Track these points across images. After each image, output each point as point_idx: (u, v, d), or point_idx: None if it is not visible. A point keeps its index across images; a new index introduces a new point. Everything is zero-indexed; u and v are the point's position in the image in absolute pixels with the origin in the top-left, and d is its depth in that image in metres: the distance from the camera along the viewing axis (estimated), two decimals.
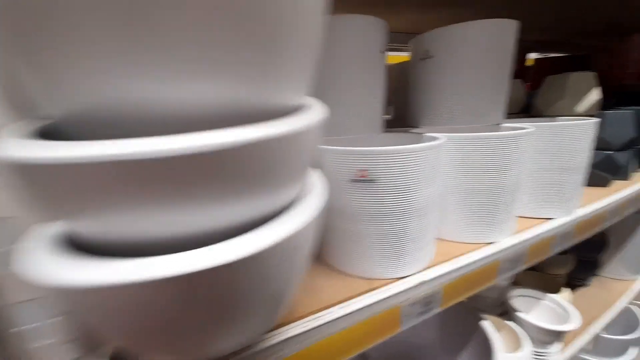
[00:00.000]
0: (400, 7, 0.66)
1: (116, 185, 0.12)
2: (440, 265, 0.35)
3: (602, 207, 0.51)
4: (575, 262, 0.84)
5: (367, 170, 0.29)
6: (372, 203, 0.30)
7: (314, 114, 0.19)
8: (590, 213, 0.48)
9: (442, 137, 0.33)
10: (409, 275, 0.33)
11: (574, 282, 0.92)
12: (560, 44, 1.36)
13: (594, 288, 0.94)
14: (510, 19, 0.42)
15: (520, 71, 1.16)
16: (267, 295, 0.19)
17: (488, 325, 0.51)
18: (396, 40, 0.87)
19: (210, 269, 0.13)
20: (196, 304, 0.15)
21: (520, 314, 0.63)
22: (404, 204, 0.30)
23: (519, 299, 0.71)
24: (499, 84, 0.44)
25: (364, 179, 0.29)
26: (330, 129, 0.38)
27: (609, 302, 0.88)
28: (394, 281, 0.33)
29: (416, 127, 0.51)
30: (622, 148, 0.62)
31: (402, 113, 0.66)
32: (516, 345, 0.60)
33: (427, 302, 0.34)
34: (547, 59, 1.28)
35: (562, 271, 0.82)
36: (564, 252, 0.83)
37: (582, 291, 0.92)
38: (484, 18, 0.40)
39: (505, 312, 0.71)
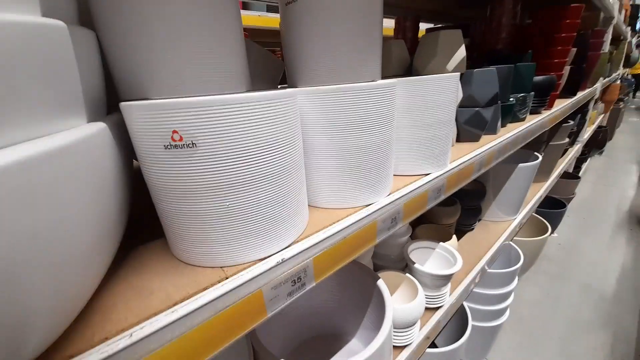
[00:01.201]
0: None
1: None
2: (308, 237, 0.31)
3: (471, 159, 0.55)
4: (461, 211, 0.95)
5: (183, 131, 0.22)
6: (198, 175, 0.23)
7: None
8: (458, 166, 0.51)
9: (288, 92, 0.28)
10: (272, 255, 0.29)
11: (462, 228, 1.05)
12: (447, 13, 1.47)
13: (478, 231, 1.09)
14: None
15: (414, 40, 1.22)
16: None
17: (381, 283, 0.52)
18: None
19: None
20: None
21: (415, 265, 0.67)
22: (242, 173, 0.24)
23: (417, 251, 0.76)
24: (370, 35, 0.41)
25: (180, 144, 0.22)
26: (158, 90, 0.29)
27: (491, 241, 1.03)
28: (254, 264, 0.28)
29: (294, 87, 0.46)
30: (488, 104, 0.68)
31: None
32: (415, 293, 0.64)
33: (296, 279, 0.30)
34: (436, 29, 1.38)
35: (452, 220, 0.92)
36: (451, 204, 0.94)
37: (469, 235, 1.06)
38: None
39: (407, 266, 0.76)
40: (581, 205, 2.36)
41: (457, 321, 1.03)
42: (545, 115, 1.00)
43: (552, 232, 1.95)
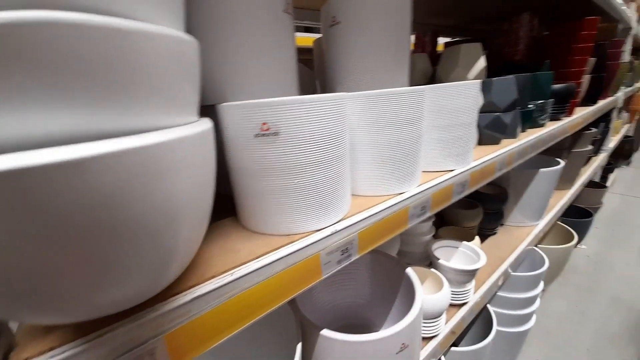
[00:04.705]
0: None
1: None
2: (354, 215, 0.37)
3: (492, 159, 0.60)
4: (483, 214, 0.98)
5: (270, 122, 0.29)
6: (278, 157, 0.30)
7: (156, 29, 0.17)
8: (482, 163, 0.56)
9: (345, 94, 0.35)
10: (326, 227, 0.35)
11: (485, 232, 1.07)
12: (463, 28, 1.54)
13: (501, 235, 1.10)
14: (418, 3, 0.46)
15: (433, 54, 1.29)
16: (137, 227, 0.17)
17: (411, 272, 0.57)
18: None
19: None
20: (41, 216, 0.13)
21: (440, 261, 0.71)
22: (309, 156, 0.31)
23: (440, 250, 0.80)
24: (401, 50, 0.48)
25: (267, 133, 0.29)
26: (235, 93, 0.37)
27: (514, 245, 1.05)
28: (312, 233, 0.34)
29: (333, 92, 0.53)
30: (507, 109, 0.73)
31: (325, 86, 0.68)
32: (439, 288, 0.68)
33: (344, 249, 0.36)
34: (453, 42, 1.44)
35: (474, 223, 0.95)
36: (473, 207, 0.97)
37: (492, 238, 1.08)
38: None
39: (431, 263, 0.79)
40: (610, 217, 2.28)
41: (483, 326, 1.04)
42: (565, 121, 1.03)
43: (579, 243, 1.89)
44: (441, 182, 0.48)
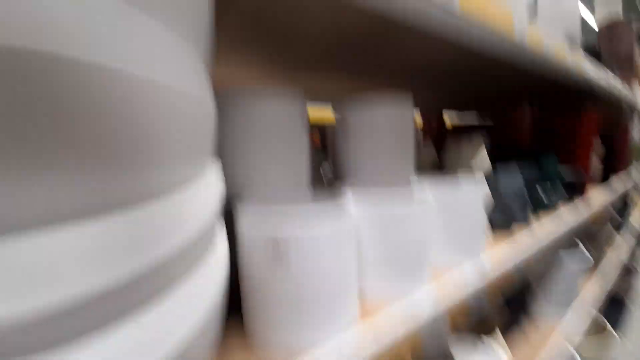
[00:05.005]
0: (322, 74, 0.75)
1: None
2: (361, 326, 0.36)
3: (507, 268, 0.58)
4: (505, 305, 0.91)
5: (280, 243, 0.30)
6: (285, 277, 0.31)
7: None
8: (498, 273, 0.55)
9: (352, 217, 0.36)
10: (332, 341, 0.33)
11: (508, 325, 0.98)
12: (468, 109, 1.65)
13: (527, 329, 1.00)
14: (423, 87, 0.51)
15: (440, 132, 1.36)
16: None
17: None
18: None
19: None
20: None
21: None
22: (319, 279, 0.31)
23: (459, 346, 0.73)
24: (406, 149, 0.52)
25: (275, 252, 0.30)
26: (249, 192, 0.40)
27: (541, 341, 0.94)
28: (317, 349, 0.32)
29: (341, 180, 0.56)
30: (515, 197, 0.73)
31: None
32: None
33: None
34: (461, 127, 1.52)
35: (495, 315, 0.87)
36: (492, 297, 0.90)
37: (516, 333, 0.97)
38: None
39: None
40: None
41: None
42: (579, 203, 1.01)
43: (615, 334, 1.68)
44: (453, 279, 0.47)
